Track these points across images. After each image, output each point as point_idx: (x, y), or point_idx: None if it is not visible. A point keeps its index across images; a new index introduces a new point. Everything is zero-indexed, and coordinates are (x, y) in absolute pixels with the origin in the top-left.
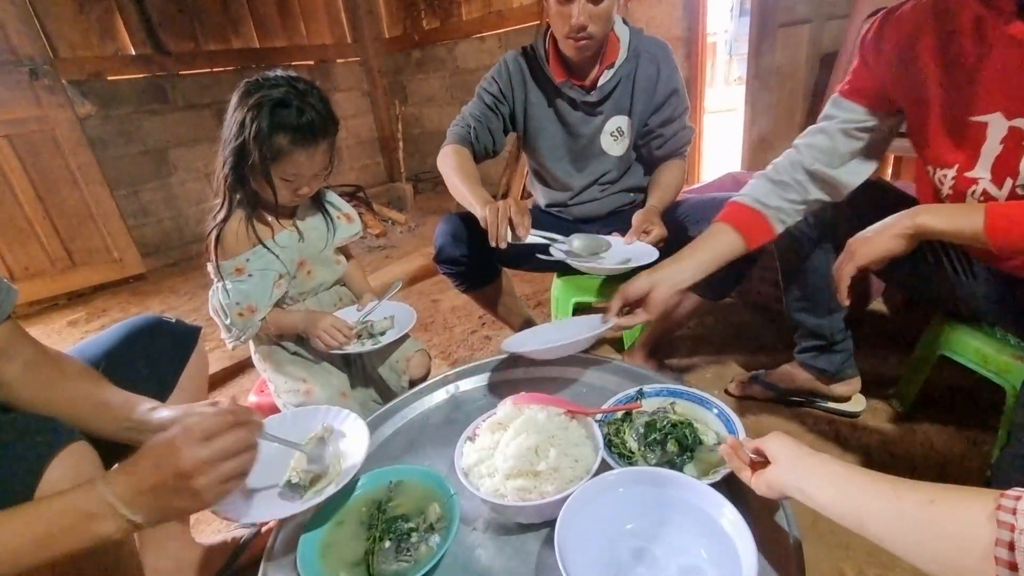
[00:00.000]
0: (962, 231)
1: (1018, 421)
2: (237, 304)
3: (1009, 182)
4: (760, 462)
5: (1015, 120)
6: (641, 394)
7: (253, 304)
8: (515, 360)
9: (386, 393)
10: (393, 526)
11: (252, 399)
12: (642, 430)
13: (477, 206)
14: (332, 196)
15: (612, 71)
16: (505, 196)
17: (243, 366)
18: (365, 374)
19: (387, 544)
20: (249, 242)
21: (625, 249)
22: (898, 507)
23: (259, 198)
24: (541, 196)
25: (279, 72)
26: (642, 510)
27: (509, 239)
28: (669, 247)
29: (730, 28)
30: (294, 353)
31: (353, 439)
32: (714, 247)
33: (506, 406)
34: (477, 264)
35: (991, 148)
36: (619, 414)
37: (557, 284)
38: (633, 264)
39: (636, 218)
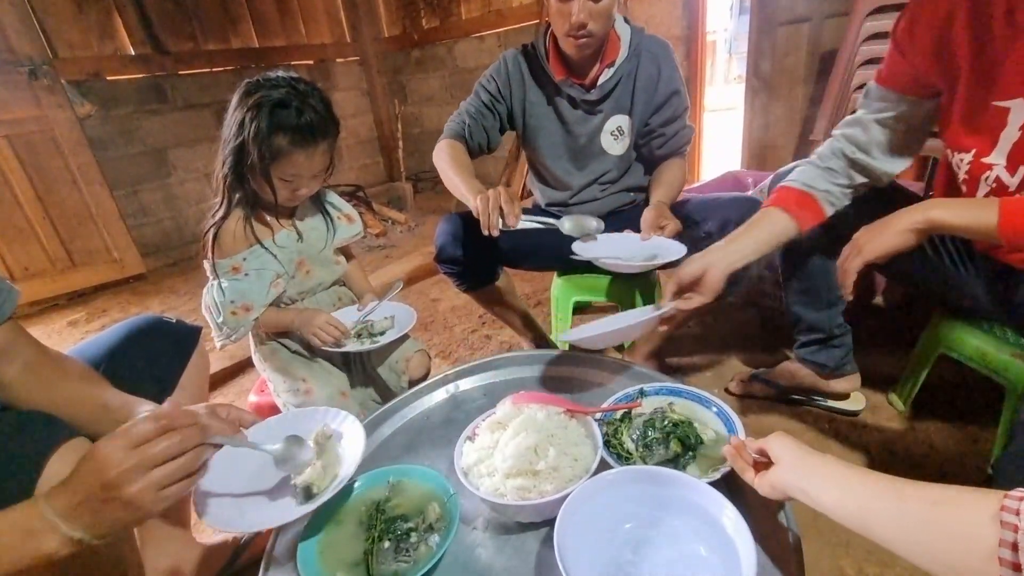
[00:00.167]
0: (975, 227)
1: (1021, 419)
2: (232, 302)
3: (1022, 170)
4: (763, 462)
5: None
6: (642, 393)
7: (248, 303)
8: (515, 359)
9: (386, 393)
10: (392, 526)
11: (252, 399)
12: (639, 431)
13: (470, 197)
14: (332, 196)
15: (612, 70)
16: None
17: (243, 366)
18: (365, 374)
19: (386, 544)
20: (246, 242)
21: (649, 245)
22: (901, 508)
23: (258, 198)
24: (541, 195)
25: (280, 73)
26: (641, 509)
27: (501, 227)
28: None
29: (730, 26)
30: (294, 352)
31: (349, 442)
32: (767, 228)
33: (505, 405)
34: (478, 264)
35: (1010, 134)
36: (618, 415)
37: (557, 283)
38: (661, 261)
39: (648, 214)
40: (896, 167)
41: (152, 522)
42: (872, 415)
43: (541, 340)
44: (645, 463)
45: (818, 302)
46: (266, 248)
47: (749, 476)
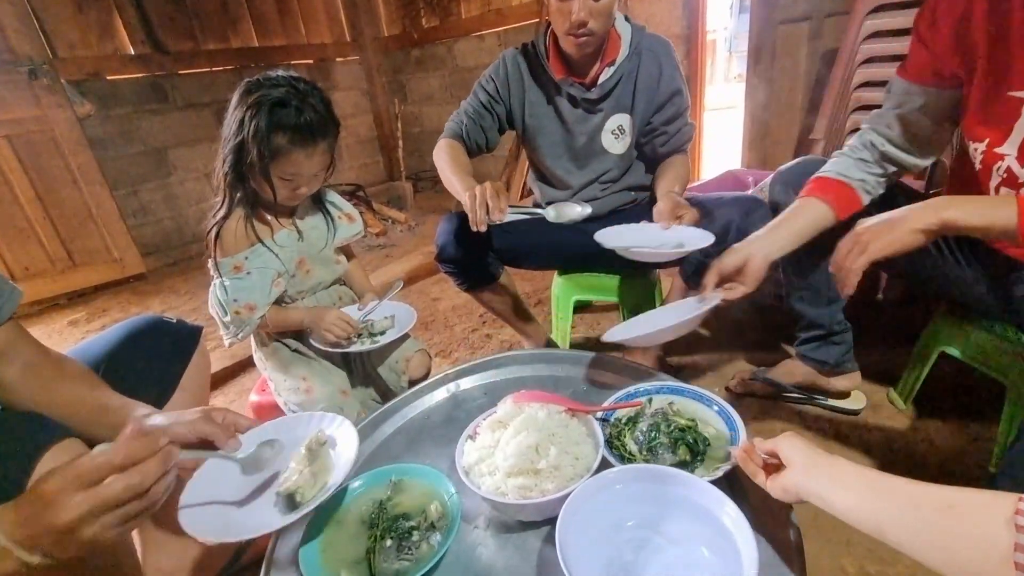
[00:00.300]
0: (992, 226)
1: None
2: (235, 301)
3: None
4: (774, 464)
5: None
6: (650, 402)
7: (252, 303)
8: (515, 358)
9: (386, 392)
10: (394, 525)
11: (253, 398)
12: (643, 435)
13: (463, 195)
14: (333, 196)
15: (613, 68)
16: None
17: (244, 365)
18: (365, 373)
19: (388, 543)
20: (248, 241)
21: (673, 234)
22: (916, 513)
23: (258, 197)
24: (542, 194)
25: (280, 72)
26: (643, 507)
27: (488, 221)
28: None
29: (730, 25)
30: (295, 351)
31: (343, 449)
32: (806, 218)
33: (506, 404)
34: (478, 263)
35: (1023, 126)
36: (622, 419)
37: (558, 282)
38: (689, 248)
39: (664, 204)
40: (925, 159)
41: (153, 522)
42: (873, 413)
43: (542, 339)
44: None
45: (818, 299)
46: (267, 247)
47: (761, 479)
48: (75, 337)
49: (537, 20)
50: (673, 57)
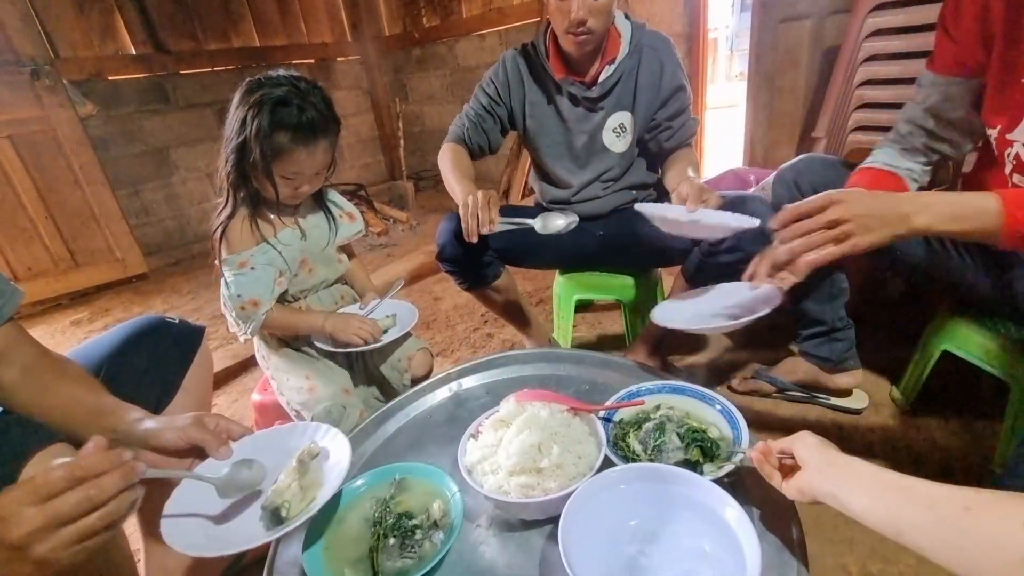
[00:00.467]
0: (969, 231)
1: None
2: (239, 297)
3: None
4: (789, 464)
5: None
6: (657, 408)
7: (256, 298)
8: (517, 358)
9: (388, 392)
10: (397, 523)
11: (256, 397)
12: (647, 438)
13: (460, 200)
14: (334, 195)
15: (613, 66)
16: (507, 193)
17: (246, 365)
18: (367, 372)
19: (391, 541)
20: (254, 239)
21: (719, 215)
22: (933, 515)
23: (261, 196)
24: (543, 193)
25: (281, 71)
26: (645, 506)
27: (481, 232)
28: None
29: (731, 24)
30: (297, 351)
31: (334, 462)
32: None
33: (509, 403)
34: (479, 262)
35: None
36: (627, 420)
37: (559, 282)
38: (747, 225)
39: (687, 187)
40: (964, 145)
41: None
42: (875, 412)
43: (543, 338)
44: None
45: (820, 295)
46: (272, 245)
47: (776, 480)
48: (77, 337)
49: (538, 19)
50: (674, 54)
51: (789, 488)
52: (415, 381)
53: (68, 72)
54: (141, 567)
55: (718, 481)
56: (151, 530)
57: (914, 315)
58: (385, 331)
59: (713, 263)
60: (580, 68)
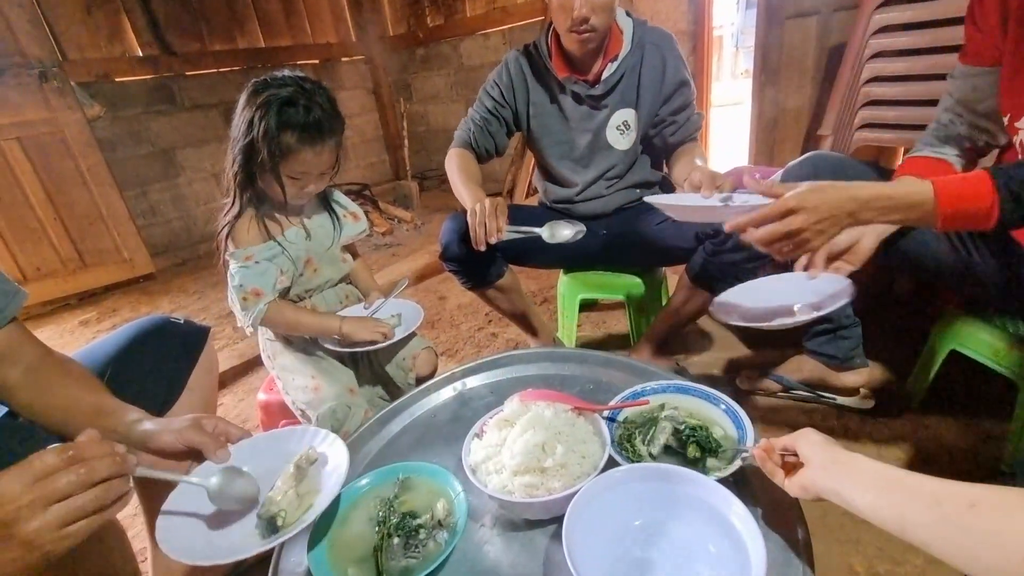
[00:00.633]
0: (911, 221)
1: None
2: (241, 287)
3: None
4: (792, 462)
5: None
6: (663, 407)
7: (258, 288)
8: (521, 357)
9: (393, 391)
10: (401, 522)
11: (261, 397)
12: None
13: (469, 207)
14: (338, 195)
15: (616, 64)
16: (511, 192)
17: (252, 364)
18: (372, 372)
19: (395, 540)
20: (260, 238)
21: (735, 196)
22: (939, 513)
23: (267, 196)
24: (548, 193)
25: (287, 72)
26: (650, 506)
27: (491, 240)
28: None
29: (736, 21)
30: (302, 351)
31: (332, 468)
32: None
33: (513, 403)
34: (483, 262)
35: None
36: (632, 421)
37: (563, 281)
38: (762, 203)
39: (700, 174)
40: (1001, 137)
41: None
42: (882, 411)
43: (548, 337)
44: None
45: None
46: (278, 243)
47: (779, 478)
48: (86, 337)
49: (542, 17)
50: (676, 49)
51: (792, 486)
52: (420, 380)
53: (76, 74)
54: (147, 566)
55: (723, 481)
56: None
57: (921, 313)
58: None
59: (718, 262)
60: (583, 66)
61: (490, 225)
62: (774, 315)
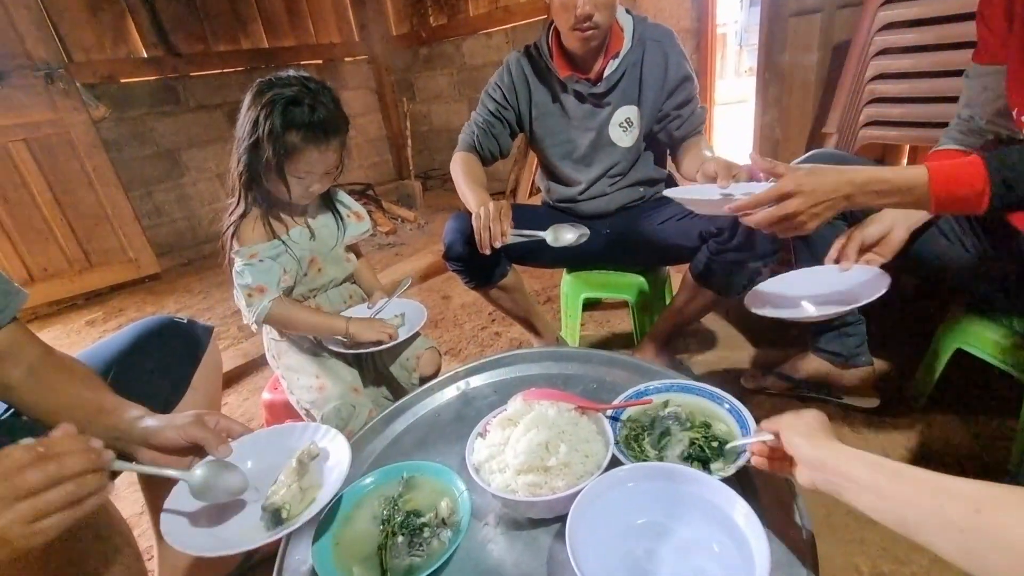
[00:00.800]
0: (905, 204)
1: None
2: (246, 284)
3: None
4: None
5: None
6: (666, 405)
7: (263, 285)
8: (525, 356)
9: (397, 390)
10: (406, 521)
11: (266, 396)
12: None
13: (473, 210)
14: (342, 195)
15: (617, 61)
16: (514, 192)
17: (257, 364)
18: (376, 372)
19: (400, 539)
20: (265, 238)
21: (753, 186)
22: (942, 517)
23: (272, 196)
24: (551, 192)
25: (291, 72)
26: (653, 505)
27: (495, 245)
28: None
29: (740, 18)
30: (307, 350)
31: (334, 463)
32: None
33: (516, 402)
34: (486, 261)
35: None
36: (637, 420)
37: (567, 280)
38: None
39: (714, 164)
40: (1019, 132)
41: None
42: (887, 410)
43: (551, 337)
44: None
45: None
46: (283, 242)
47: (787, 471)
48: (92, 336)
49: (544, 16)
50: (677, 44)
51: (799, 477)
52: (423, 380)
53: (81, 75)
54: (153, 564)
55: (727, 480)
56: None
57: (927, 312)
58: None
59: (721, 260)
60: (584, 65)
61: (494, 229)
62: (811, 306)
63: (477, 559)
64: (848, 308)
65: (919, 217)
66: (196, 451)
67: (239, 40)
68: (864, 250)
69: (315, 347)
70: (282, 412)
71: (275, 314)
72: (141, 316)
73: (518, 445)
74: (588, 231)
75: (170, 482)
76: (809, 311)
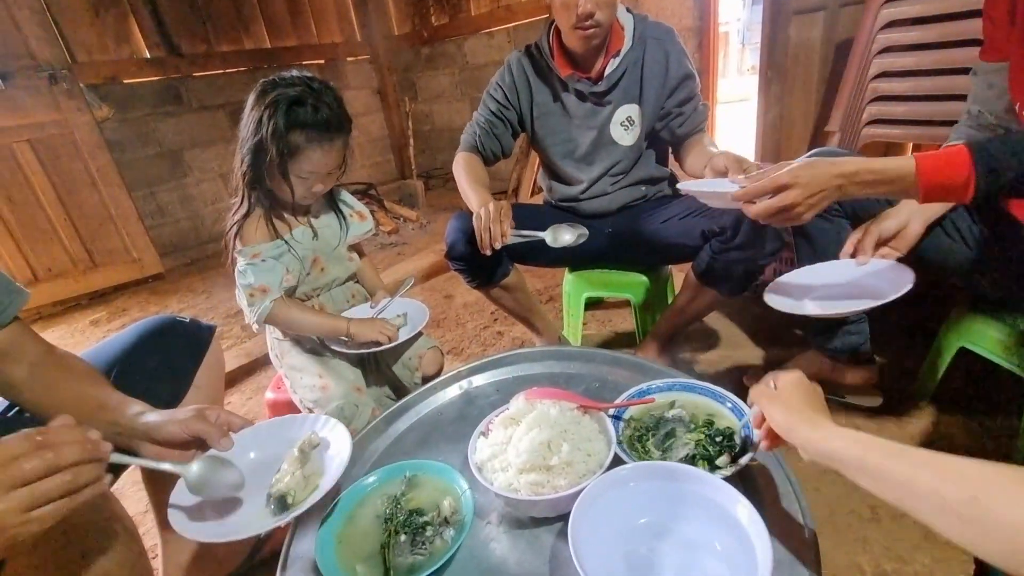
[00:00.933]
0: (894, 193)
1: None
2: (248, 283)
3: None
4: None
5: None
6: (672, 405)
7: (265, 285)
8: (527, 356)
9: (400, 390)
10: (408, 520)
11: (269, 396)
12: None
13: (475, 210)
14: (345, 194)
15: (618, 60)
16: (516, 191)
17: (260, 363)
18: (379, 372)
19: (403, 538)
20: (268, 237)
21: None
22: (941, 503)
23: (275, 196)
24: (553, 192)
25: (295, 72)
26: (655, 504)
27: (495, 246)
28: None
29: (742, 16)
30: (310, 350)
31: (336, 452)
32: None
33: (518, 401)
34: (488, 261)
35: None
36: (641, 421)
37: (569, 279)
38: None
39: (723, 159)
40: None
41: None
42: (890, 409)
43: (553, 336)
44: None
45: None
46: (285, 241)
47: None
48: (96, 336)
49: (546, 16)
50: (678, 43)
51: (801, 453)
52: (426, 379)
53: (85, 76)
54: (158, 562)
55: (729, 478)
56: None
57: (930, 311)
58: (397, 330)
59: (724, 260)
60: (585, 64)
61: (494, 230)
62: (836, 301)
63: (480, 558)
64: (879, 303)
65: (935, 211)
66: (198, 445)
67: (241, 40)
68: (880, 244)
69: (318, 347)
70: (285, 411)
71: (276, 314)
72: (144, 316)
73: (520, 444)
74: (587, 232)
75: (174, 478)
76: (836, 307)
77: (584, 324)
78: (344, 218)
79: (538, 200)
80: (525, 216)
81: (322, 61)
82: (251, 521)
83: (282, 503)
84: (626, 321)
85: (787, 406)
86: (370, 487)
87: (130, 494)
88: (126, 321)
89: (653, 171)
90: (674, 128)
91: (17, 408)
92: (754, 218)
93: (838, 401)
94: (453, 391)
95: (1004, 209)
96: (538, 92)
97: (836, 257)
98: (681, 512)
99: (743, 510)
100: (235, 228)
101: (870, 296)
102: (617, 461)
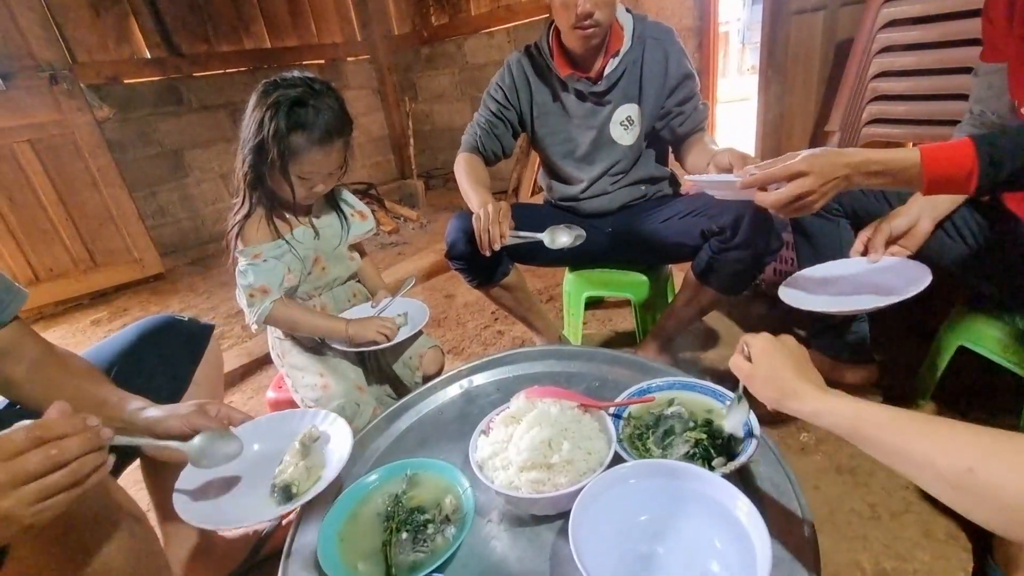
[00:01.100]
0: (899, 184)
1: None
2: (249, 284)
3: None
4: None
5: None
6: (671, 403)
7: (266, 285)
8: (528, 355)
9: (400, 389)
10: (410, 518)
11: (270, 395)
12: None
13: (476, 211)
14: (346, 194)
15: (618, 59)
16: (517, 191)
17: (262, 362)
18: (380, 371)
19: (404, 535)
20: (269, 237)
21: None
22: (936, 474)
23: (276, 196)
24: (553, 192)
25: (296, 73)
26: (655, 502)
27: (494, 247)
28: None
29: (743, 16)
30: (311, 349)
31: (336, 444)
32: None
33: (519, 400)
34: (489, 260)
35: None
36: (641, 419)
37: (569, 279)
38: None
39: (728, 156)
40: None
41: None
42: None
43: (554, 335)
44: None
45: None
46: (287, 241)
47: None
48: (97, 336)
49: (546, 15)
50: (677, 42)
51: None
52: (427, 379)
53: (85, 76)
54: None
55: (728, 476)
56: (169, 518)
57: (929, 310)
58: (398, 329)
59: (723, 259)
60: (585, 64)
61: (493, 232)
62: (854, 297)
63: (481, 555)
64: (900, 298)
65: (944, 209)
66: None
67: (242, 40)
68: (890, 242)
69: (319, 346)
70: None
71: (276, 315)
72: (145, 316)
73: (521, 442)
74: (584, 233)
75: (174, 476)
76: (856, 304)
77: (584, 323)
78: (345, 217)
79: (538, 200)
80: (525, 216)
81: (322, 61)
82: (258, 510)
83: (286, 493)
84: (626, 320)
85: (766, 380)
86: (371, 485)
87: (131, 494)
88: (127, 321)
89: (653, 170)
90: (674, 127)
91: (18, 407)
92: (768, 207)
93: None
94: (454, 390)
95: (1004, 207)
96: (538, 92)
97: (834, 256)
98: (681, 510)
99: (743, 508)
100: (236, 228)
101: (887, 293)
102: (617, 459)
